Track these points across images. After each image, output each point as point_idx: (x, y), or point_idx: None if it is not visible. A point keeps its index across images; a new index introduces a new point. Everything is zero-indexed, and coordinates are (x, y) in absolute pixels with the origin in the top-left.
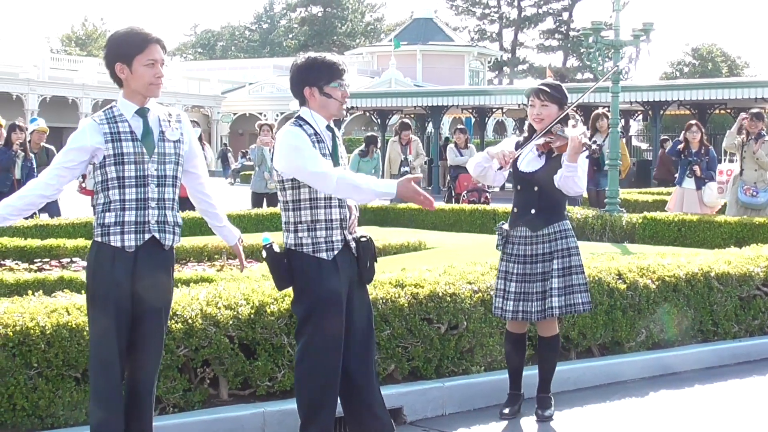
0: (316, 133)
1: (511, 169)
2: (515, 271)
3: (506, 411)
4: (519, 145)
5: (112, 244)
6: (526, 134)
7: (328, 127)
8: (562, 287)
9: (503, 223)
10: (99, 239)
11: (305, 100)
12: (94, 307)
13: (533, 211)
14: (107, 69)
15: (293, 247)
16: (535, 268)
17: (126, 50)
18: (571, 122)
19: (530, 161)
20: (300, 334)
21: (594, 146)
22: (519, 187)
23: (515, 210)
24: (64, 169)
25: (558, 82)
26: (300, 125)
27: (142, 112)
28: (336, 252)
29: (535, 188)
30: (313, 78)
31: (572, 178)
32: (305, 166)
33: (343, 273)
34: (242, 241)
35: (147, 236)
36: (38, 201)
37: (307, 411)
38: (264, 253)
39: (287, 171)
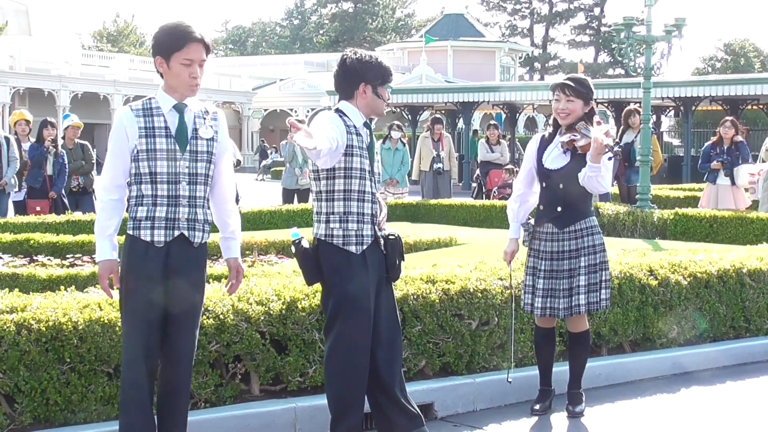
0: (354, 126)
1: (536, 166)
2: (543, 267)
3: (537, 407)
4: (544, 141)
5: (143, 238)
6: (551, 129)
7: (365, 124)
8: (588, 284)
9: (529, 218)
10: (131, 232)
11: (352, 95)
12: (127, 300)
13: (559, 208)
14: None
15: (323, 238)
16: (561, 265)
17: (166, 45)
18: (595, 118)
19: (555, 158)
20: (329, 331)
21: (616, 148)
22: (545, 185)
23: (541, 207)
24: (125, 180)
25: (584, 77)
26: (341, 116)
27: (179, 108)
28: (365, 246)
29: (561, 185)
30: (371, 76)
31: (596, 177)
32: (321, 128)
33: (371, 269)
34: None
35: (176, 233)
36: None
37: (337, 407)
38: (293, 248)
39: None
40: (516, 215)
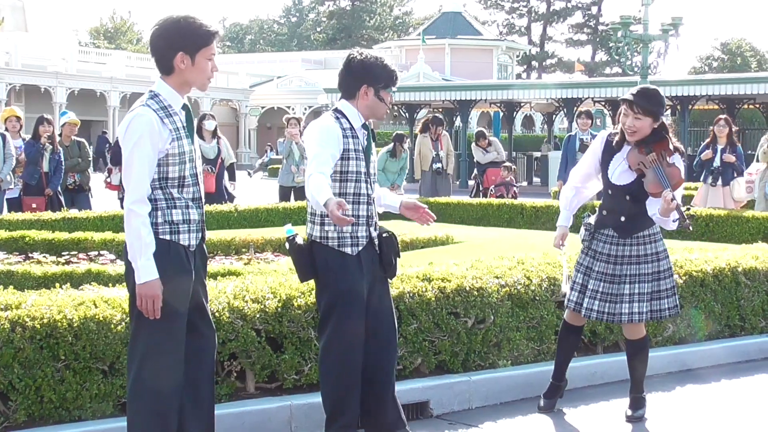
0: (351, 128)
1: (598, 168)
2: (598, 269)
3: (542, 404)
4: (609, 146)
5: (182, 242)
6: (618, 137)
7: (364, 126)
8: (650, 292)
9: (588, 216)
10: (167, 237)
11: (353, 96)
12: (167, 310)
13: (623, 218)
14: (159, 55)
15: (318, 240)
16: (621, 270)
17: (192, 41)
18: (670, 146)
19: (621, 173)
20: (322, 329)
21: (687, 221)
22: (610, 192)
23: (604, 212)
24: (150, 179)
25: (655, 90)
26: (338, 118)
27: (185, 106)
28: (360, 248)
29: (627, 197)
30: (374, 78)
31: (665, 222)
32: (312, 150)
33: (366, 268)
34: None
35: (200, 234)
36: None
37: (332, 406)
38: (287, 245)
39: (308, 154)
40: (569, 203)
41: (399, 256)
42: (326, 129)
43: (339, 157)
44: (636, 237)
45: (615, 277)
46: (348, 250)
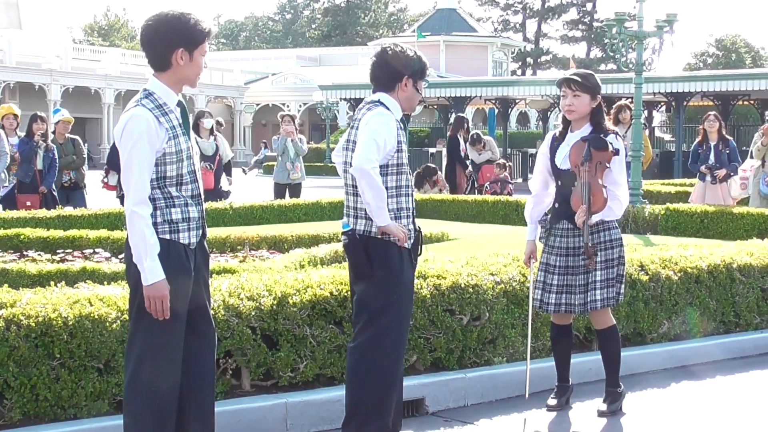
0: (398, 121)
1: (548, 165)
2: (557, 263)
3: (552, 403)
4: (555, 139)
5: (182, 241)
6: (561, 127)
7: (401, 119)
8: (604, 279)
9: (547, 215)
10: (167, 236)
11: (393, 88)
12: (169, 308)
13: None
14: (154, 51)
15: (377, 235)
16: (577, 261)
17: (193, 37)
18: (610, 141)
19: (566, 157)
20: (372, 324)
21: (589, 256)
22: (559, 183)
23: (556, 205)
24: (149, 177)
25: (590, 72)
26: (389, 110)
27: (180, 103)
28: (412, 241)
29: (575, 184)
30: (414, 69)
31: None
32: (369, 137)
33: (414, 263)
34: None
35: (201, 231)
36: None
37: (372, 406)
38: (345, 239)
39: (364, 136)
40: (530, 216)
41: (421, 253)
42: (390, 121)
43: (395, 149)
44: (589, 227)
45: (571, 269)
46: (406, 243)
